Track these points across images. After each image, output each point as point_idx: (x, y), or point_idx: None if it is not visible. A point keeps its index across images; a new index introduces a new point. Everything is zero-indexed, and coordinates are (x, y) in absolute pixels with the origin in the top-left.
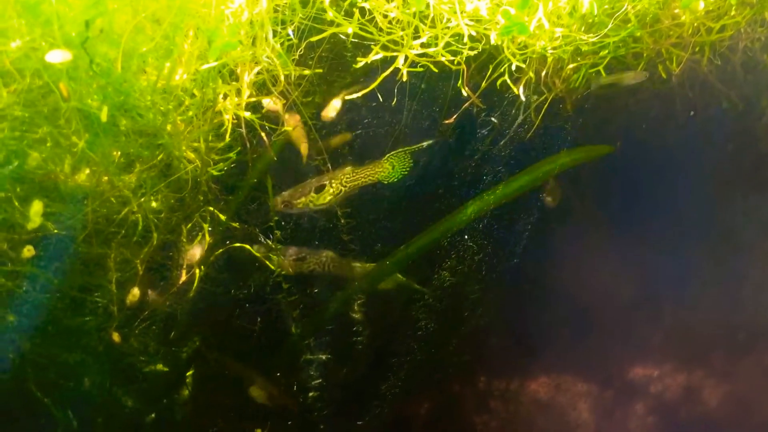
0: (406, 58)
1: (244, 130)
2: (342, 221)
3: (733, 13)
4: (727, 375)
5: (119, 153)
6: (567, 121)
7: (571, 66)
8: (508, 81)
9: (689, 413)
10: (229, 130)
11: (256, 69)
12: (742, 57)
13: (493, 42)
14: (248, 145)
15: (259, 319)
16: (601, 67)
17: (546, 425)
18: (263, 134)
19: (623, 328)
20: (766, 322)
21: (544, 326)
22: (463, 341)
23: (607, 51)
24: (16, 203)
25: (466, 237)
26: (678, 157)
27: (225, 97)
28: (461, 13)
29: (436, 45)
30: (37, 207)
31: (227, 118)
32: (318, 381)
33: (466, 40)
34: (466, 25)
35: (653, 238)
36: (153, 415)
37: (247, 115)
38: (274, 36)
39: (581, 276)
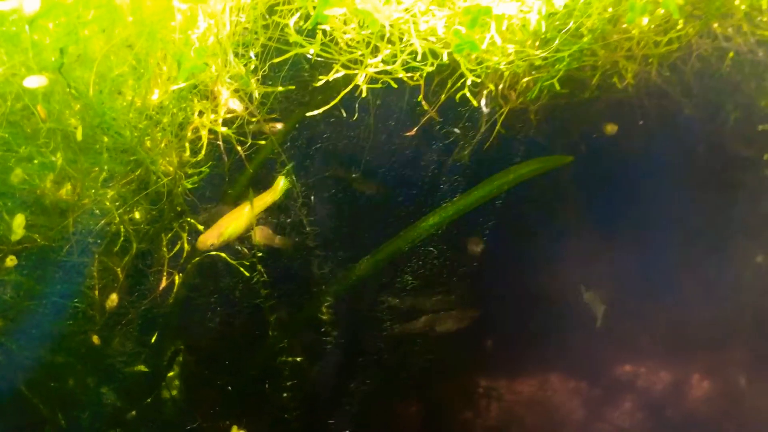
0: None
1: (221, 144)
2: (308, 229)
3: (680, 26)
4: (710, 370)
5: (99, 168)
6: (531, 130)
7: (526, 79)
8: (468, 94)
9: (675, 408)
10: (204, 145)
11: (225, 89)
12: (697, 66)
13: (446, 59)
14: (225, 158)
15: (237, 327)
16: (555, 80)
17: (535, 423)
18: (239, 148)
19: (609, 326)
20: (742, 317)
21: (529, 326)
22: (448, 342)
23: (561, 65)
24: (6, 216)
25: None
26: (650, 161)
27: (201, 114)
28: (416, 32)
29: (394, 62)
30: (19, 220)
31: (203, 134)
32: (293, 380)
33: (419, 57)
34: (426, 42)
35: (632, 239)
36: (134, 413)
37: (224, 130)
38: (240, 58)
39: (566, 276)
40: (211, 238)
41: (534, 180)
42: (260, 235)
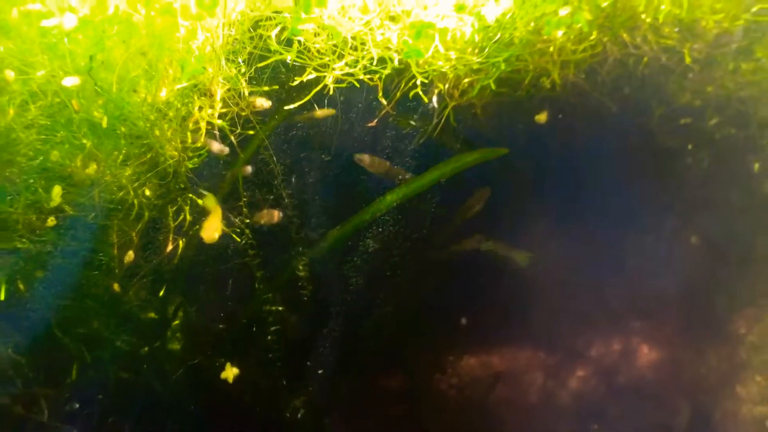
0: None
1: (217, 134)
2: (287, 200)
3: (593, 37)
4: (653, 340)
5: (118, 151)
6: (476, 122)
7: (467, 80)
8: (420, 92)
9: (626, 374)
10: (203, 134)
11: (219, 89)
12: (616, 70)
13: (397, 64)
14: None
15: (230, 281)
16: (491, 81)
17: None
18: (232, 137)
19: (564, 302)
20: (674, 292)
21: (491, 301)
22: (414, 316)
23: (495, 69)
24: (41, 190)
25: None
26: (585, 151)
27: (200, 109)
28: (373, 42)
29: (356, 67)
30: (57, 190)
31: (202, 125)
32: (275, 326)
33: (375, 63)
34: (382, 50)
35: (575, 221)
36: (146, 348)
37: (219, 122)
38: (231, 63)
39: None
40: (216, 230)
41: (482, 166)
42: (266, 216)
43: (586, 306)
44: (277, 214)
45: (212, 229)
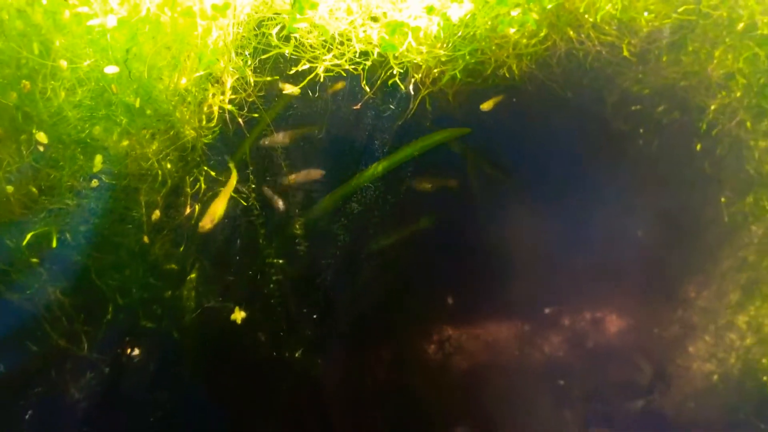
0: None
1: (227, 117)
2: (285, 168)
3: (542, 34)
4: (617, 307)
5: (146, 128)
6: (450, 107)
7: (436, 70)
8: (398, 81)
9: (595, 340)
10: (215, 115)
11: (229, 78)
12: (568, 63)
13: (376, 56)
14: (230, 125)
15: (239, 240)
16: (458, 71)
17: (480, 356)
18: (240, 120)
19: (537, 275)
20: (636, 263)
21: (467, 276)
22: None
23: (461, 60)
24: (82, 160)
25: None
26: (547, 134)
27: (213, 95)
28: (357, 38)
29: (343, 58)
30: (99, 158)
31: (215, 108)
32: (276, 276)
33: (358, 55)
34: (365, 45)
35: (545, 199)
36: (169, 294)
37: (229, 107)
38: (239, 56)
39: (497, 234)
40: (207, 223)
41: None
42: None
43: (551, 275)
44: (315, 173)
45: (206, 221)
